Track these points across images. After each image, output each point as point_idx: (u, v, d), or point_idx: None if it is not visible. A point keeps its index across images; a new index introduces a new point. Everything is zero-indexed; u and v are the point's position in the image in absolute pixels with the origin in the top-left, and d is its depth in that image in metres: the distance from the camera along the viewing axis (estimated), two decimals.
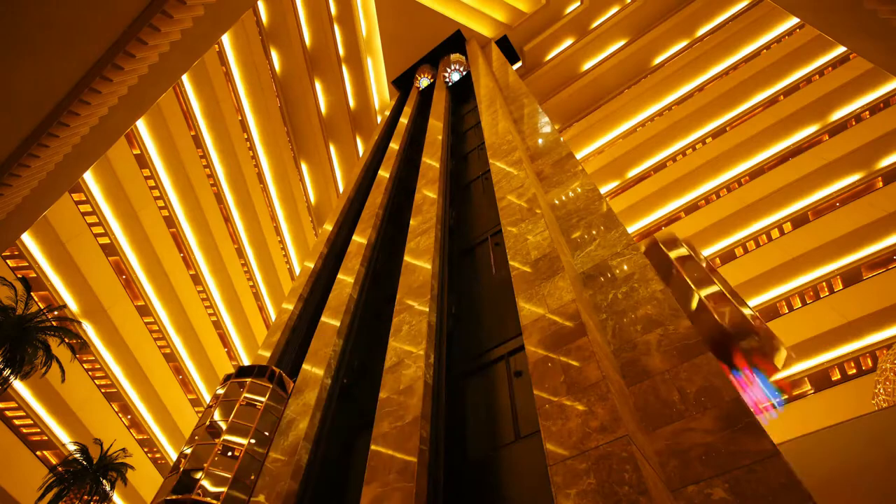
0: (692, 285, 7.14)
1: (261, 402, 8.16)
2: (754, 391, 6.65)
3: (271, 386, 8.47)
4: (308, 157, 37.87)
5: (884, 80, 23.18)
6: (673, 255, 7.89)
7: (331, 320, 10.46)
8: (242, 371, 8.70)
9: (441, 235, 10.51)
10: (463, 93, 24.55)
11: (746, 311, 7.04)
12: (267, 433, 7.84)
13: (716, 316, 6.66)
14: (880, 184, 22.26)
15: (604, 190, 31.30)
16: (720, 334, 6.56)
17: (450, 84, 26.18)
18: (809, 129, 25.02)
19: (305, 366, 9.58)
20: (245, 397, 8.10)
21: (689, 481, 3.85)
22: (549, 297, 6.02)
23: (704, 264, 8.01)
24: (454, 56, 27.33)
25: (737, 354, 6.62)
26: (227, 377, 8.72)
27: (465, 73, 26.41)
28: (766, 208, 24.26)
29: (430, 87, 29.28)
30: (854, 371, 19.85)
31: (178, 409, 33.75)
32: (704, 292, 7.05)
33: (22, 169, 11.60)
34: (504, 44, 32.38)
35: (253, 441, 7.52)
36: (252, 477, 7.11)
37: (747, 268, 23.20)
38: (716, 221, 25.30)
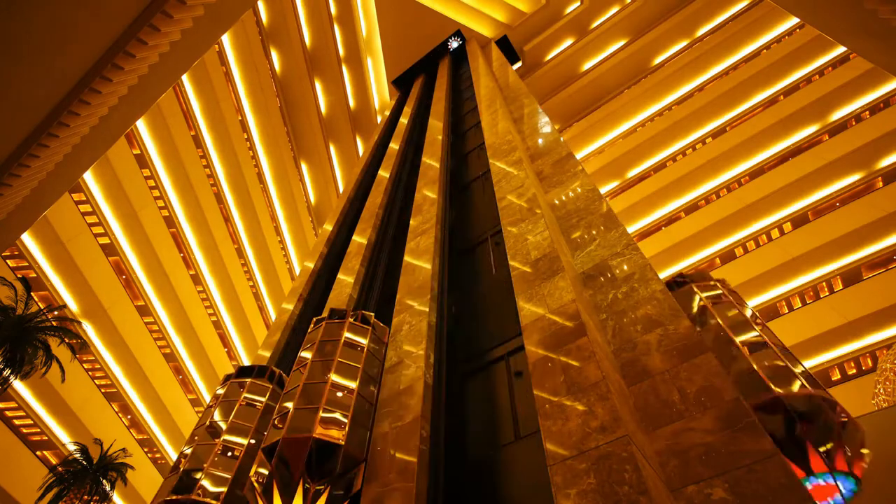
0: (739, 346, 5.60)
1: (261, 402, 8.13)
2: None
3: (271, 386, 8.44)
4: (308, 157, 37.87)
5: (884, 80, 23.18)
6: (706, 295, 6.32)
7: None
8: (242, 371, 8.67)
9: (441, 235, 10.50)
10: (463, 92, 24.55)
11: (798, 370, 5.43)
12: (266, 433, 7.81)
13: (774, 390, 5.00)
14: (880, 184, 22.25)
15: (604, 190, 31.30)
16: (784, 419, 4.77)
17: (451, 50, 29.10)
18: (809, 129, 25.01)
19: None
20: (245, 397, 8.06)
21: (689, 481, 3.84)
22: (549, 297, 6.02)
23: (749, 312, 6.23)
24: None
25: (812, 454, 4.78)
26: (227, 377, 8.69)
27: (461, 41, 29.29)
28: (766, 208, 24.26)
29: (429, 89, 29.30)
30: (854, 371, 19.85)
31: (178, 409, 33.75)
32: (755, 355, 5.46)
33: (22, 169, 11.60)
34: (504, 44, 32.39)
35: (252, 441, 7.50)
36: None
37: (747, 268, 23.19)
38: (716, 221, 25.29)
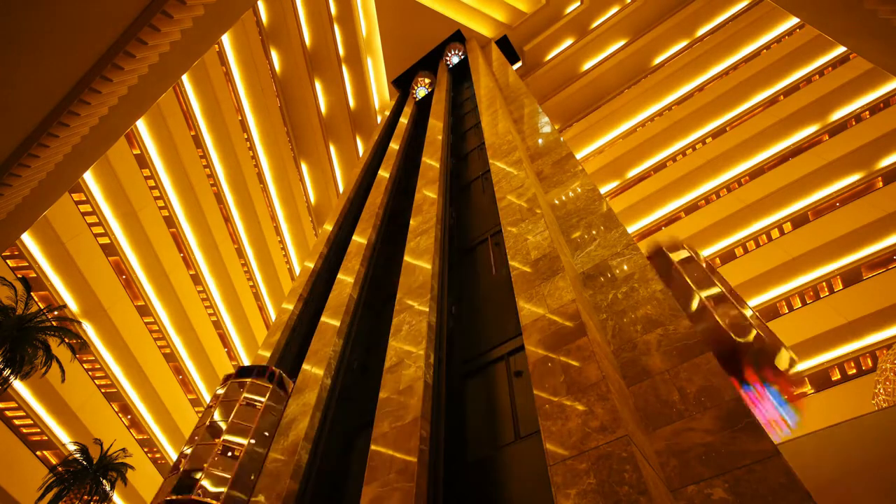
0: (693, 286, 7.10)
1: (261, 402, 8.16)
2: (766, 407, 6.51)
3: (271, 386, 8.46)
4: (308, 157, 37.87)
5: (884, 80, 23.17)
6: (675, 257, 8.01)
7: (331, 320, 10.46)
8: (242, 371, 8.69)
9: (441, 235, 10.50)
10: (463, 93, 24.55)
11: (748, 313, 7.16)
12: (267, 433, 7.83)
13: (717, 317, 6.57)
14: (880, 184, 22.25)
15: (604, 190, 31.30)
16: (725, 342, 6.52)
17: (451, 67, 29.08)
18: (809, 129, 25.01)
19: (305, 366, 9.58)
20: (245, 397, 8.09)
21: (689, 481, 3.84)
22: (549, 297, 6.01)
23: (704, 265, 8.06)
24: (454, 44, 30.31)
25: (747, 368, 6.60)
26: (227, 377, 8.71)
27: (463, 56, 29.48)
28: (766, 208, 24.25)
29: (429, 95, 29.37)
30: (854, 371, 19.84)
31: (178, 409, 33.74)
32: (706, 293, 7.02)
33: (22, 169, 11.60)
34: (504, 44, 32.38)
35: (253, 441, 7.52)
36: (252, 477, 7.10)
37: (747, 268, 23.18)
38: (716, 221, 25.28)
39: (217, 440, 7.37)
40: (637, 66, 32.43)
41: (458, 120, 20.72)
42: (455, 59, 29.72)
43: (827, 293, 21.56)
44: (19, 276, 23.14)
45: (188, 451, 7.35)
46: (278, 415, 8.23)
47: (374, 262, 13.04)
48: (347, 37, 31.52)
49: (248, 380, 8.40)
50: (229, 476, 6.93)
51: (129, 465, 23.97)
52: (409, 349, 7.29)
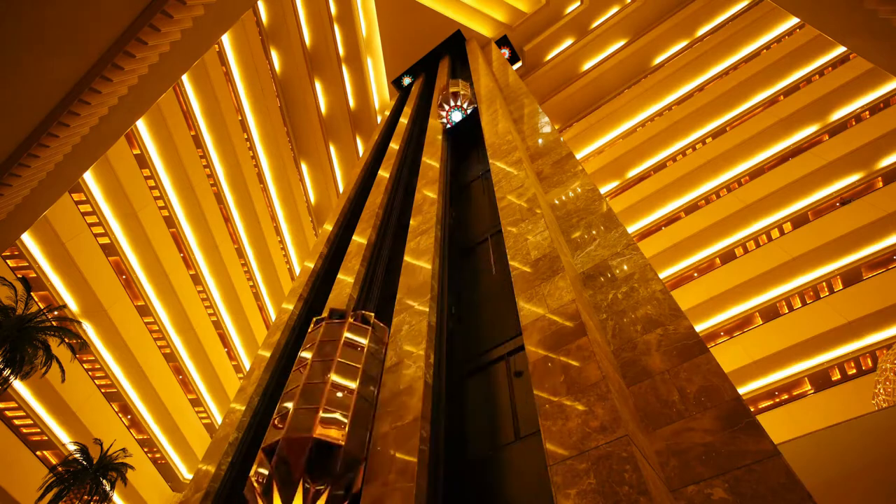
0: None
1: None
2: None
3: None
4: (308, 157, 37.88)
5: (884, 80, 23.17)
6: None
7: None
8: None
9: (441, 235, 10.50)
10: None
11: None
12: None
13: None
14: (880, 184, 22.25)
15: (604, 190, 31.29)
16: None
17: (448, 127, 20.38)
18: (809, 129, 25.01)
19: None
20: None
21: (689, 481, 3.85)
22: (549, 297, 6.01)
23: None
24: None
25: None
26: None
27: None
28: (766, 208, 24.25)
29: (428, 89, 29.28)
30: (854, 371, 19.84)
31: (178, 409, 33.74)
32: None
33: (22, 169, 11.60)
34: (504, 44, 32.40)
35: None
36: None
37: (747, 268, 23.18)
38: (716, 221, 25.28)
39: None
40: (637, 66, 32.44)
41: None
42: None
43: (827, 293, 21.56)
44: (19, 276, 23.15)
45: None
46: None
47: (374, 261, 13.04)
48: (347, 37, 31.53)
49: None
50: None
51: (129, 465, 23.98)
52: (409, 349, 7.29)
